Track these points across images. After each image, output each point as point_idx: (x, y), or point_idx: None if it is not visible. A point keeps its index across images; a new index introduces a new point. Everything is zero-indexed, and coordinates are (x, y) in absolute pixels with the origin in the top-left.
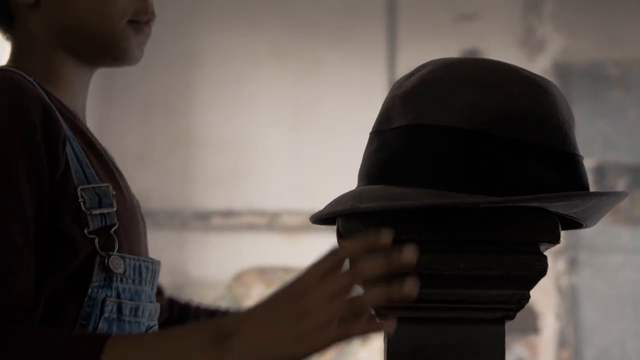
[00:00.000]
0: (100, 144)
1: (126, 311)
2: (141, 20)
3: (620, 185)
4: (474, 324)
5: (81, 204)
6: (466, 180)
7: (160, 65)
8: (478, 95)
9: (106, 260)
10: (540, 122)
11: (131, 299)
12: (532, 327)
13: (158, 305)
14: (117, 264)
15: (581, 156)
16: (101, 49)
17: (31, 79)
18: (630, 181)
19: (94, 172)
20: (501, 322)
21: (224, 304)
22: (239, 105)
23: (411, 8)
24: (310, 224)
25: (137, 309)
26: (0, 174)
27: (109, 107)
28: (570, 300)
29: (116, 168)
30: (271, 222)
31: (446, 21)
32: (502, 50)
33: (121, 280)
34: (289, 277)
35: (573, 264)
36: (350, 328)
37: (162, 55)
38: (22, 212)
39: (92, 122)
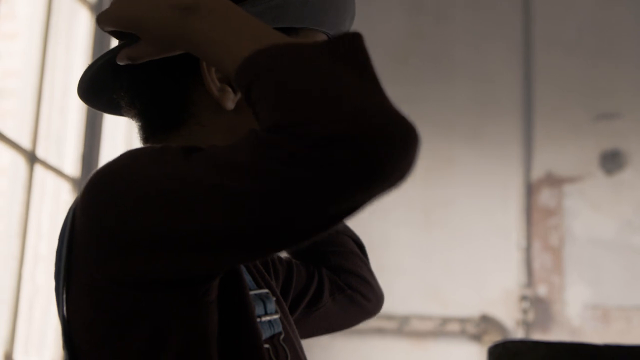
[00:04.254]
0: None
1: None
2: None
3: None
4: None
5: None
6: None
7: None
8: None
9: None
10: None
11: None
12: None
13: None
14: None
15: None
16: None
17: None
18: None
19: (251, 277)
20: None
21: None
22: None
23: (548, 107)
24: (442, 329)
25: None
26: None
27: None
28: None
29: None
30: (400, 327)
31: (585, 120)
32: None
33: None
34: None
35: None
36: None
37: None
38: None
39: None
